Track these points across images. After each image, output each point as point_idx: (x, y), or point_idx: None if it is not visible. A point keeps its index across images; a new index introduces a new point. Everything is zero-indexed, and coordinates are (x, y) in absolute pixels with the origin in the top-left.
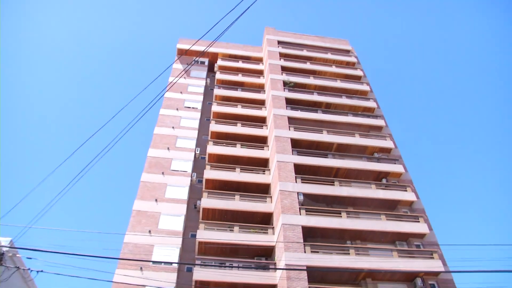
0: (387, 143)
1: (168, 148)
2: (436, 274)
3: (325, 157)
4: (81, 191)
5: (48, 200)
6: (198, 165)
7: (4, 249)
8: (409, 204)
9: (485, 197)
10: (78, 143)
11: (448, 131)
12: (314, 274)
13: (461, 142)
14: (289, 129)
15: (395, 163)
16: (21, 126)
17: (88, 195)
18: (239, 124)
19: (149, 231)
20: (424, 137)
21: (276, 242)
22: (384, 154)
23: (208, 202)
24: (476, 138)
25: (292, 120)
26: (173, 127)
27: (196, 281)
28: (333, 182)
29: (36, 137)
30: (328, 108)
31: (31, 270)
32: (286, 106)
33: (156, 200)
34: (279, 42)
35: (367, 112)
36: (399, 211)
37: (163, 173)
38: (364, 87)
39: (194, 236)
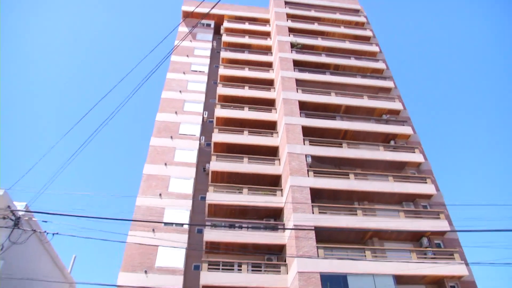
0: (395, 105)
1: (176, 112)
2: (442, 233)
3: (333, 119)
4: (92, 156)
5: (61, 165)
6: (206, 128)
7: (20, 213)
8: (417, 165)
9: (492, 157)
10: (87, 108)
11: (458, 92)
12: (322, 234)
13: (470, 103)
14: (297, 91)
15: (403, 125)
16: (32, 92)
17: (99, 160)
18: (246, 87)
19: (160, 194)
20: (433, 98)
21: (285, 203)
22: (393, 115)
23: (216, 165)
24: (485, 99)
25: (300, 82)
26: (180, 91)
27: (206, 242)
28: (341, 144)
29: (46, 102)
30: (336, 69)
31: (47, 233)
32: (294, 68)
33: (165, 164)
34: (286, 3)
35: (376, 73)
36: (407, 172)
37: (171, 137)
38: (373, 48)
39: (203, 198)
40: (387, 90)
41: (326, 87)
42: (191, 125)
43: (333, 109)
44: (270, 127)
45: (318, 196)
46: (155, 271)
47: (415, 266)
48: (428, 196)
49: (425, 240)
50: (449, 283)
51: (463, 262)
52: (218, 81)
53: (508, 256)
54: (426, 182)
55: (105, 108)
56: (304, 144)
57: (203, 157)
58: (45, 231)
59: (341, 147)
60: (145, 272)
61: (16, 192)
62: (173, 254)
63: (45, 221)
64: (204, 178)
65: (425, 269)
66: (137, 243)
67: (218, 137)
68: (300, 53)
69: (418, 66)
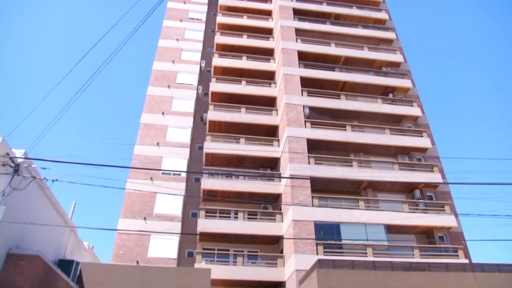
0: (396, 57)
1: (173, 61)
2: (434, 186)
3: (332, 70)
4: (90, 106)
5: (58, 112)
6: (204, 78)
7: (19, 160)
8: (414, 119)
9: (490, 112)
10: (83, 53)
11: (460, 45)
12: (317, 184)
13: (471, 58)
14: (296, 41)
15: (403, 78)
16: (27, 38)
17: (97, 110)
18: (245, 36)
19: (157, 143)
20: (435, 51)
21: (282, 152)
22: (393, 68)
23: (214, 114)
24: (486, 53)
25: (299, 32)
26: (177, 39)
27: (204, 190)
28: (339, 96)
29: (43, 49)
30: (337, 19)
31: (47, 179)
32: (294, 17)
33: (163, 113)
34: None
35: (378, 24)
36: (404, 125)
37: (168, 86)
38: None
39: (201, 148)
40: (388, 41)
41: (326, 37)
42: (188, 74)
43: (333, 60)
44: (268, 77)
45: (315, 147)
46: (154, 218)
47: (406, 216)
48: (423, 150)
49: (417, 192)
50: (438, 234)
51: (452, 213)
52: (216, 29)
53: (496, 208)
54: (422, 136)
55: (102, 54)
56: (302, 95)
57: (200, 107)
58: (44, 178)
59: (339, 98)
60: (144, 218)
61: (14, 140)
62: (171, 201)
63: (44, 168)
64: (202, 128)
65: (415, 219)
66: (136, 190)
67: (216, 86)
68: (301, 1)
69: (421, 17)
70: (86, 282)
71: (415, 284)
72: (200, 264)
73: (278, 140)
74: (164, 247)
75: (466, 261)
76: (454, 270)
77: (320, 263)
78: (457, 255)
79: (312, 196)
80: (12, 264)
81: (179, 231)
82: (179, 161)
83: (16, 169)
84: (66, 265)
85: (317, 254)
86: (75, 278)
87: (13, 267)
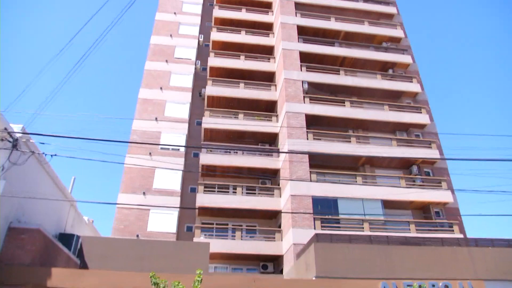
0: (396, 32)
1: (170, 35)
2: (431, 162)
3: (332, 46)
4: (88, 81)
5: (56, 87)
6: (202, 52)
7: (18, 135)
8: (414, 95)
9: (489, 89)
10: (81, 26)
11: (461, 21)
12: (316, 159)
13: (473, 34)
14: (296, 16)
15: (403, 53)
16: (24, 12)
17: (95, 85)
18: (244, 10)
19: (156, 119)
20: (436, 26)
21: (280, 127)
22: (393, 43)
23: (212, 89)
24: (487, 29)
25: (299, 6)
26: (174, 13)
27: (202, 165)
28: (339, 71)
29: (40, 21)
30: None
31: (46, 154)
32: None
33: (161, 88)
34: None
35: None
36: (403, 101)
37: (166, 61)
38: None
39: (199, 123)
40: (389, 16)
41: (326, 11)
42: (186, 48)
43: (332, 35)
44: (267, 52)
45: (314, 123)
46: (153, 192)
47: (403, 192)
48: (421, 126)
49: (415, 168)
50: (434, 209)
51: (449, 189)
52: (215, 2)
53: (492, 184)
54: (420, 112)
55: (100, 27)
56: (301, 70)
57: (199, 82)
58: (43, 153)
59: (339, 74)
60: (144, 194)
61: (12, 115)
62: (170, 176)
63: (43, 143)
64: (200, 103)
65: (412, 194)
66: (135, 165)
67: (214, 61)
68: None
69: None
70: (86, 255)
71: (411, 258)
72: (199, 238)
73: (277, 116)
74: (164, 222)
75: (461, 236)
76: (449, 244)
77: (317, 237)
78: (452, 230)
79: (310, 172)
80: (13, 238)
81: (179, 206)
82: (177, 137)
83: (15, 144)
84: (66, 238)
85: (314, 228)
86: (76, 252)
87: (14, 240)
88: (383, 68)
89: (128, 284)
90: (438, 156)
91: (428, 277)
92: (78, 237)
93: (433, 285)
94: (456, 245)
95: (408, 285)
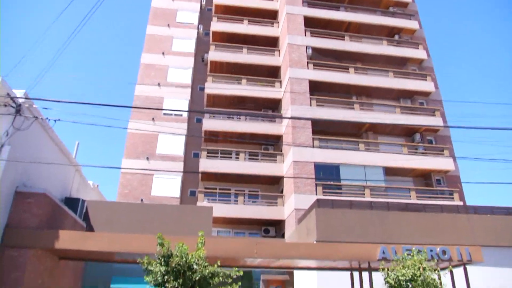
0: None
1: None
2: (435, 130)
3: (337, 10)
4: (89, 46)
5: (57, 52)
6: (205, 16)
7: (20, 100)
8: (419, 62)
9: (496, 57)
10: None
11: None
12: (319, 125)
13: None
14: None
15: (410, 19)
16: None
17: (96, 50)
18: None
19: (158, 84)
20: None
21: (284, 92)
22: (400, 8)
23: (215, 55)
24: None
25: None
26: None
27: (205, 131)
28: (343, 37)
29: None
30: None
31: (49, 119)
32: None
33: (163, 53)
34: None
35: None
36: (408, 68)
37: (168, 25)
38: None
39: (202, 89)
40: None
41: None
42: (188, 12)
43: None
44: (271, 16)
45: (317, 89)
46: (157, 158)
47: (405, 159)
48: (426, 93)
49: (417, 136)
50: (435, 177)
51: (450, 157)
52: None
53: (494, 152)
54: (426, 80)
55: None
56: (305, 35)
57: (201, 47)
58: (46, 118)
59: (343, 40)
60: (147, 159)
61: (14, 80)
62: (173, 142)
63: (46, 108)
64: (203, 68)
65: (414, 161)
66: (138, 130)
67: (217, 26)
68: None
69: None
70: (92, 219)
71: (410, 224)
72: (202, 202)
73: (280, 81)
74: (167, 186)
75: (461, 203)
76: (448, 211)
77: (319, 203)
78: (453, 198)
79: (313, 138)
80: (20, 202)
81: (182, 171)
82: (180, 102)
83: (18, 110)
84: (72, 203)
85: (316, 194)
86: (82, 216)
87: (21, 204)
88: (389, 34)
89: (134, 246)
90: (441, 124)
91: (427, 243)
92: (83, 201)
93: (431, 250)
94: (456, 213)
95: (406, 250)
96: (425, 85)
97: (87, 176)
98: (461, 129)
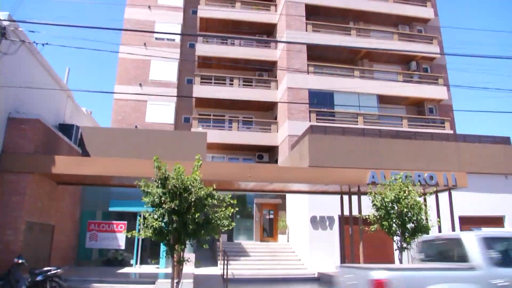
0: None
1: None
2: (431, 58)
3: None
4: None
5: None
6: None
7: (5, 23)
8: None
9: None
10: None
11: None
12: (314, 52)
13: None
14: None
15: None
16: None
17: None
18: None
19: (149, 7)
20: None
21: (280, 15)
22: None
23: None
24: None
25: None
26: None
27: (198, 56)
28: None
29: None
30: None
31: (37, 43)
32: None
33: None
34: None
35: None
36: None
37: None
38: None
39: (195, 12)
40: None
41: None
42: None
43: None
44: None
45: (313, 13)
46: (150, 84)
47: (400, 86)
48: (425, 20)
49: (413, 64)
50: (428, 106)
51: (445, 86)
52: None
53: (489, 80)
54: (425, 5)
55: None
56: None
57: None
58: (34, 42)
59: None
60: (140, 85)
61: None
62: (166, 68)
63: (32, 31)
64: None
65: (408, 89)
66: (130, 53)
67: None
68: None
69: None
70: (87, 145)
71: (400, 151)
72: (197, 129)
73: (276, 5)
74: (161, 113)
75: (451, 132)
76: (438, 139)
77: (312, 129)
78: (444, 127)
79: (307, 64)
80: (14, 128)
81: (175, 97)
82: (172, 26)
83: (3, 33)
84: (66, 129)
85: (309, 121)
86: (77, 142)
87: (16, 130)
88: None
89: (131, 170)
90: (438, 51)
91: (415, 168)
92: (77, 127)
93: (419, 175)
94: (445, 140)
95: (395, 174)
96: (424, 11)
97: (79, 103)
98: (457, 57)
